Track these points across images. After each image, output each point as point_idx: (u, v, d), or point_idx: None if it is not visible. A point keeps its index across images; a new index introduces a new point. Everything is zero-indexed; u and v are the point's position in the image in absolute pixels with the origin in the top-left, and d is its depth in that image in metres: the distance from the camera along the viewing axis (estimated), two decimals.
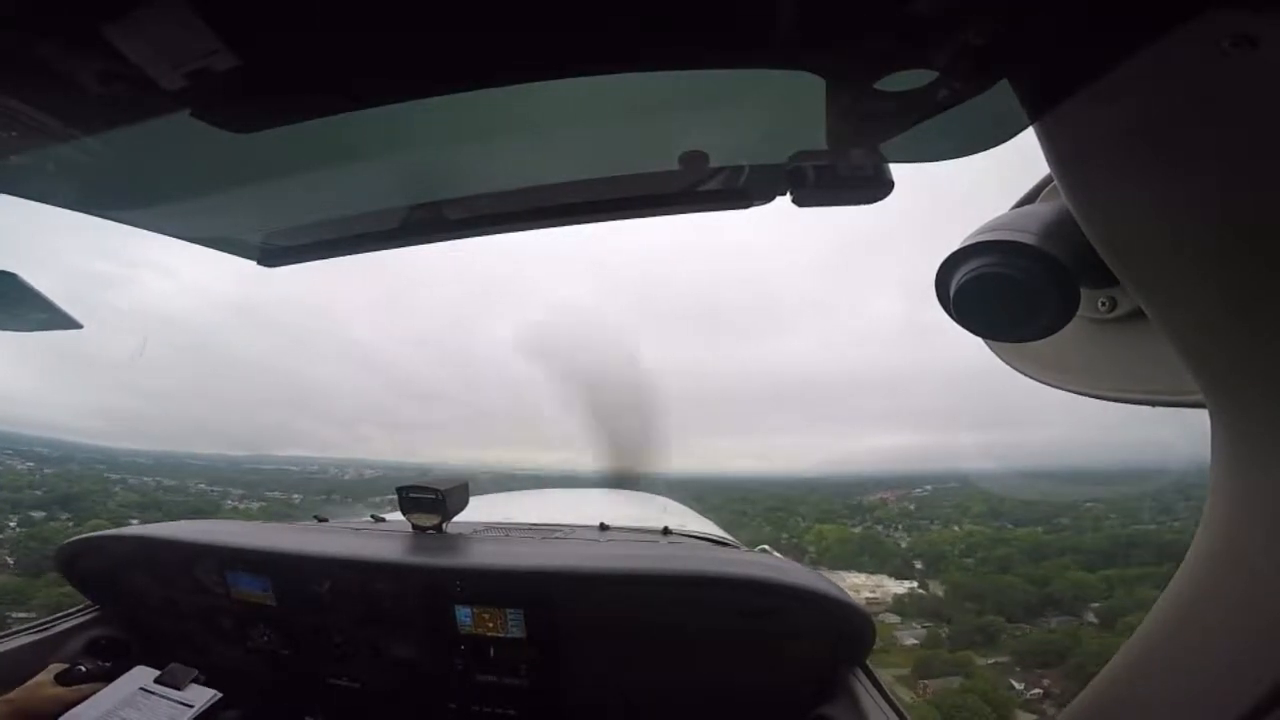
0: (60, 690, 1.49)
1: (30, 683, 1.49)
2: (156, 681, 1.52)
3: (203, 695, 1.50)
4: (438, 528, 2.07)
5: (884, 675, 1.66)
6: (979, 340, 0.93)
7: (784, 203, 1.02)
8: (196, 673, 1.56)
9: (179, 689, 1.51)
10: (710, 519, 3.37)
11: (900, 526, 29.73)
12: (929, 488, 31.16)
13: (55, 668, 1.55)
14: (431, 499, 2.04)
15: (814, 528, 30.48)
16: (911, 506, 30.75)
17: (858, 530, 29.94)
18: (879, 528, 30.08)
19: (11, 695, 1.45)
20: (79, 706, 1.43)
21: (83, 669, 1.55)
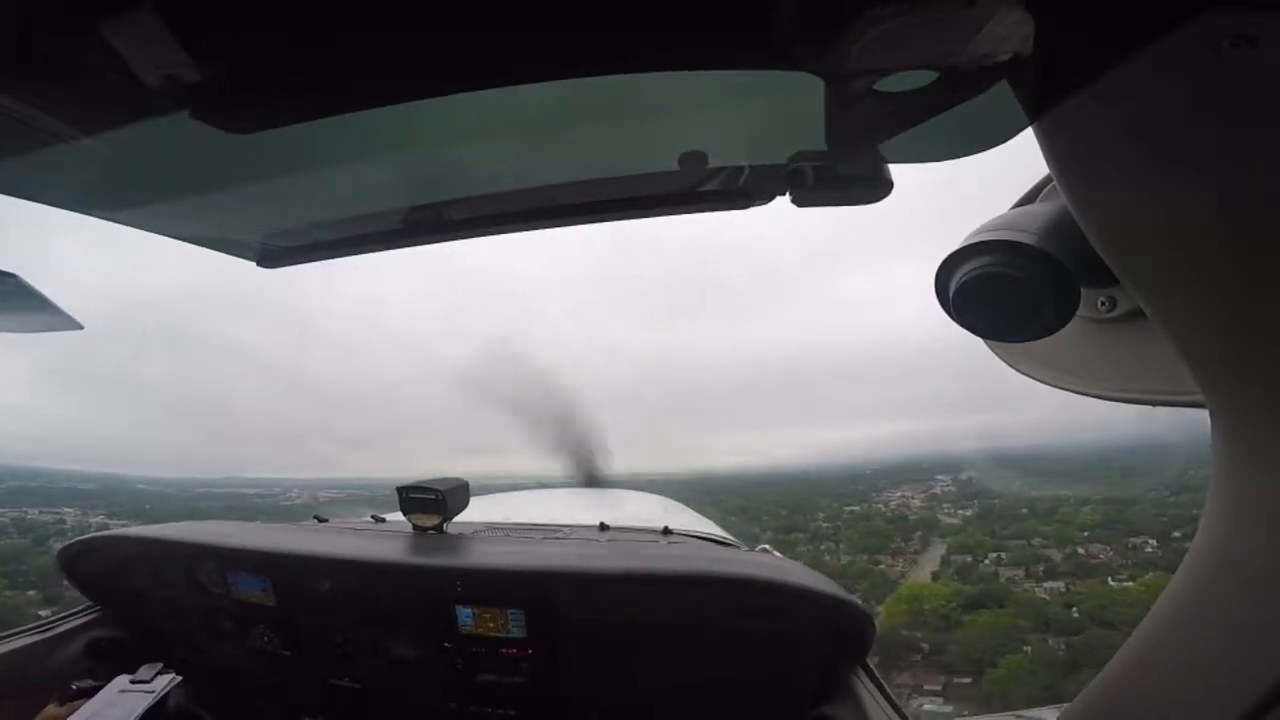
0: (61, 711, 1.60)
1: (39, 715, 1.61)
2: (131, 682, 1.65)
3: (164, 680, 1.65)
4: (438, 528, 2.07)
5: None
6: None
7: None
8: (161, 665, 1.68)
9: (148, 682, 1.64)
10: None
11: (999, 556, 18.08)
12: (946, 479, 22.90)
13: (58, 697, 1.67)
14: (432, 499, 2.04)
15: (896, 587, 17.78)
16: (967, 510, 20.51)
17: (945, 570, 18.11)
18: (987, 567, 17.76)
19: None
20: (70, 719, 1.52)
21: (75, 687, 1.66)
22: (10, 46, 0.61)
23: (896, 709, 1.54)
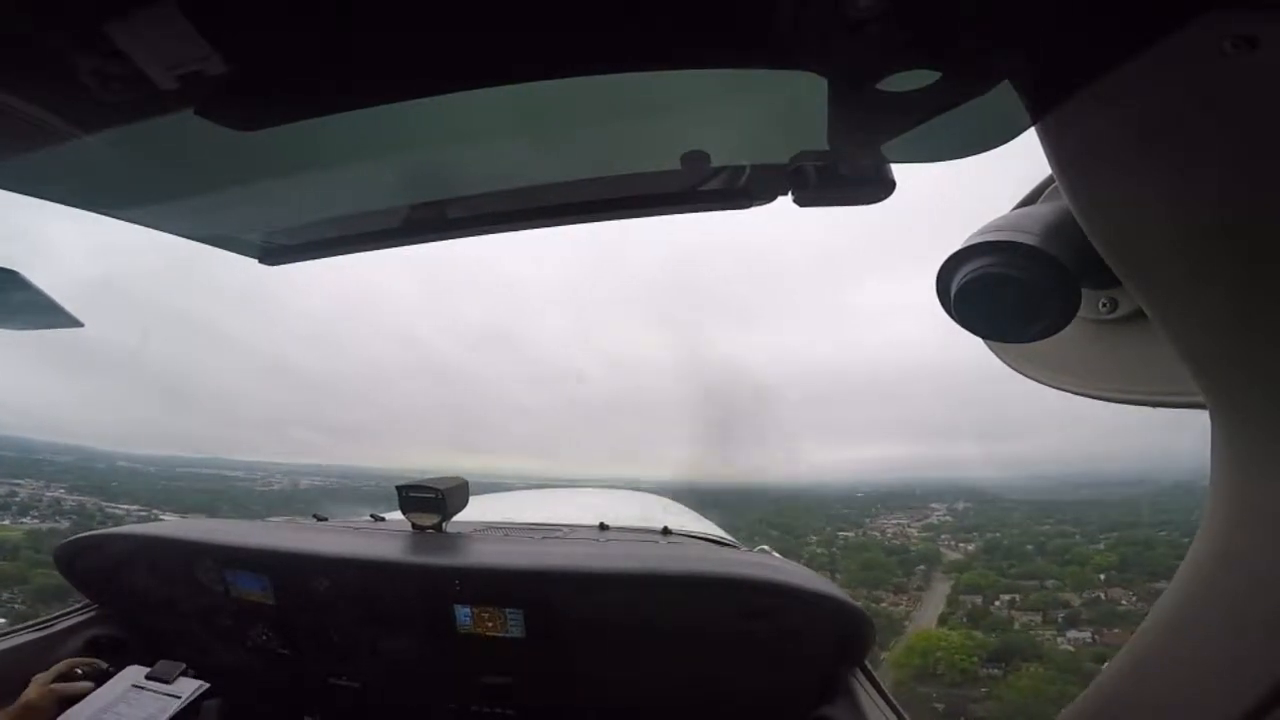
0: (59, 692, 1.52)
1: (29, 689, 1.51)
2: (148, 677, 1.57)
3: (190, 686, 1.55)
4: (437, 527, 2.07)
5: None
6: (968, 341, 0.92)
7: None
8: (184, 666, 1.61)
9: (168, 682, 1.56)
10: None
11: (1013, 598, 16.19)
12: (942, 508, 21.64)
13: (54, 670, 1.57)
14: (431, 498, 2.04)
15: (902, 628, 16.25)
16: (969, 543, 18.47)
17: (953, 611, 16.50)
18: (1000, 610, 16.17)
19: (11, 708, 1.48)
20: (74, 707, 1.46)
21: (78, 671, 1.58)
22: (14, 45, 0.61)
23: (895, 711, 1.54)
